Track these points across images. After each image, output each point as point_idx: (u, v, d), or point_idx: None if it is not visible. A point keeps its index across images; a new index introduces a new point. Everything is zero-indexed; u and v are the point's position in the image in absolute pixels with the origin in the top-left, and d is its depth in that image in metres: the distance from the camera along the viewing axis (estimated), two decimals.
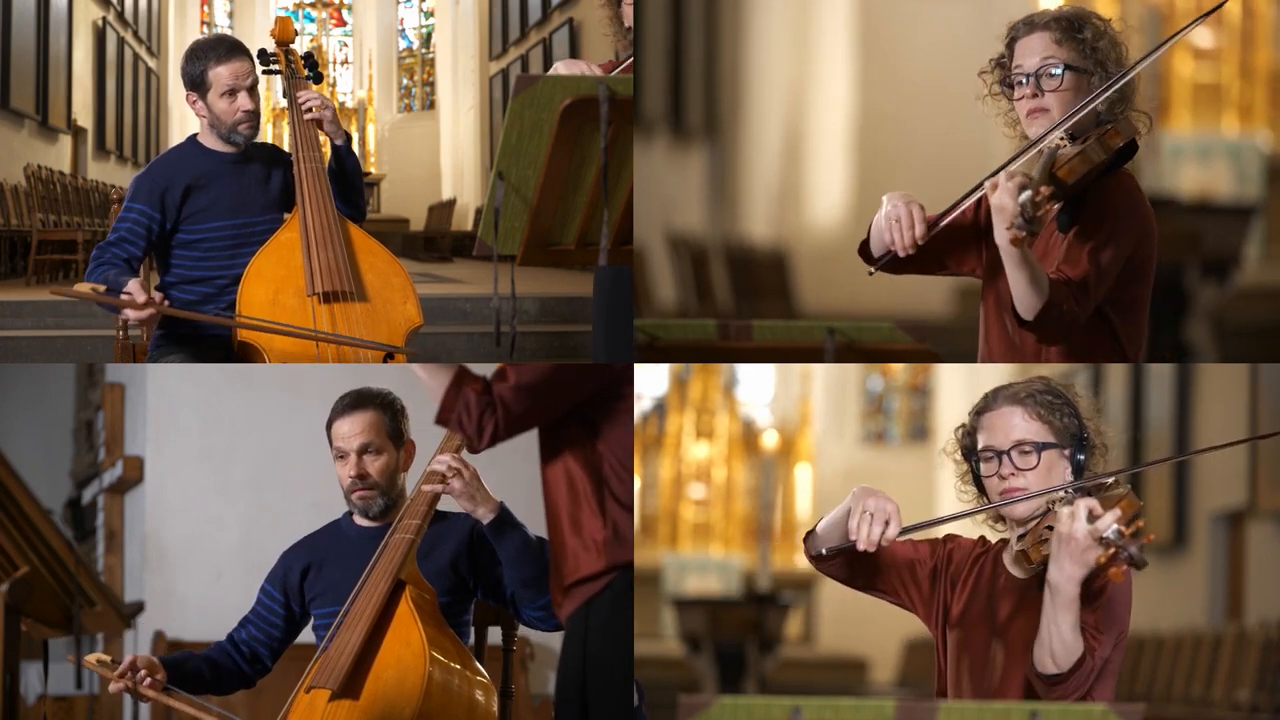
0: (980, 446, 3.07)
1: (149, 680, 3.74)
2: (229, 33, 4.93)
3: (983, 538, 3.20)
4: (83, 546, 8.08)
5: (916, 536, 3.14)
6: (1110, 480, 3.01)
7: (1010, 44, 3.42)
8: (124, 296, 4.12)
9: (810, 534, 3.14)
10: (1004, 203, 3.10)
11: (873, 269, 3.40)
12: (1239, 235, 6.88)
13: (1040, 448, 3.03)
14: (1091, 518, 2.81)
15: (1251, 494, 8.80)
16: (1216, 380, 9.23)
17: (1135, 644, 8.99)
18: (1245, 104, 9.11)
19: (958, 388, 12.80)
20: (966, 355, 3.58)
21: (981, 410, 3.09)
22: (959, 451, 3.13)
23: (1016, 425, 3.04)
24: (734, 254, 10.79)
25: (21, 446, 8.15)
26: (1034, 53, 3.36)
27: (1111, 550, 2.78)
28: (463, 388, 3.08)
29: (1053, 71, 3.33)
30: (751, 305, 10.31)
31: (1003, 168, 3.27)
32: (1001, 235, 3.13)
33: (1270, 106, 9.12)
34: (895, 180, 11.32)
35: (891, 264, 3.38)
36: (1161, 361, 7.88)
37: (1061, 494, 2.99)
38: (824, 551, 3.08)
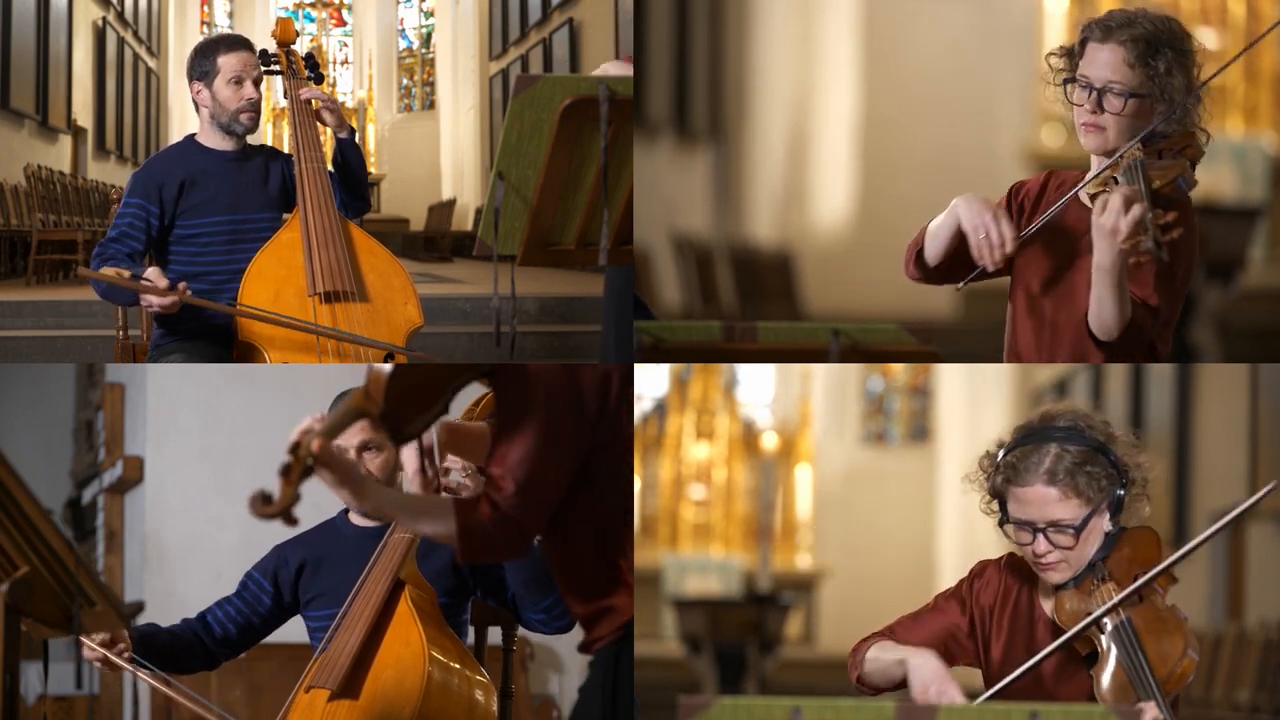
0: (1012, 514, 2.90)
1: (126, 653, 3.73)
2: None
3: (1008, 557, 3.07)
4: (83, 546, 8.07)
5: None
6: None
7: (1083, 41, 3.30)
8: (143, 282, 4.17)
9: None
10: (1118, 225, 3.02)
11: (960, 285, 3.32)
12: (1244, 237, 6.87)
13: (1079, 528, 2.87)
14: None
15: (1251, 494, 8.78)
16: (1217, 380, 9.23)
17: None
18: (1250, 106, 9.10)
19: (958, 388, 12.79)
20: (972, 356, 3.55)
21: (1010, 480, 2.90)
22: (982, 479, 2.96)
23: (1052, 504, 2.87)
24: (739, 256, 10.78)
25: (21, 446, 8.14)
26: (1103, 66, 3.25)
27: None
28: (472, 520, 2.88)
29: (1116, 93, 3.24)
30: (756, 307, 10.29)
31: (1087, 181, 3.23)
32: (1109, 251, 3.05)
33: (1275, 109, 9.11)
34: (899, 182, 11.33)
35: (978, 277, 3.30)
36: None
37: (1111, 587, 2.87)
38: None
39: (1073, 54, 3.32)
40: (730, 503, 12.27)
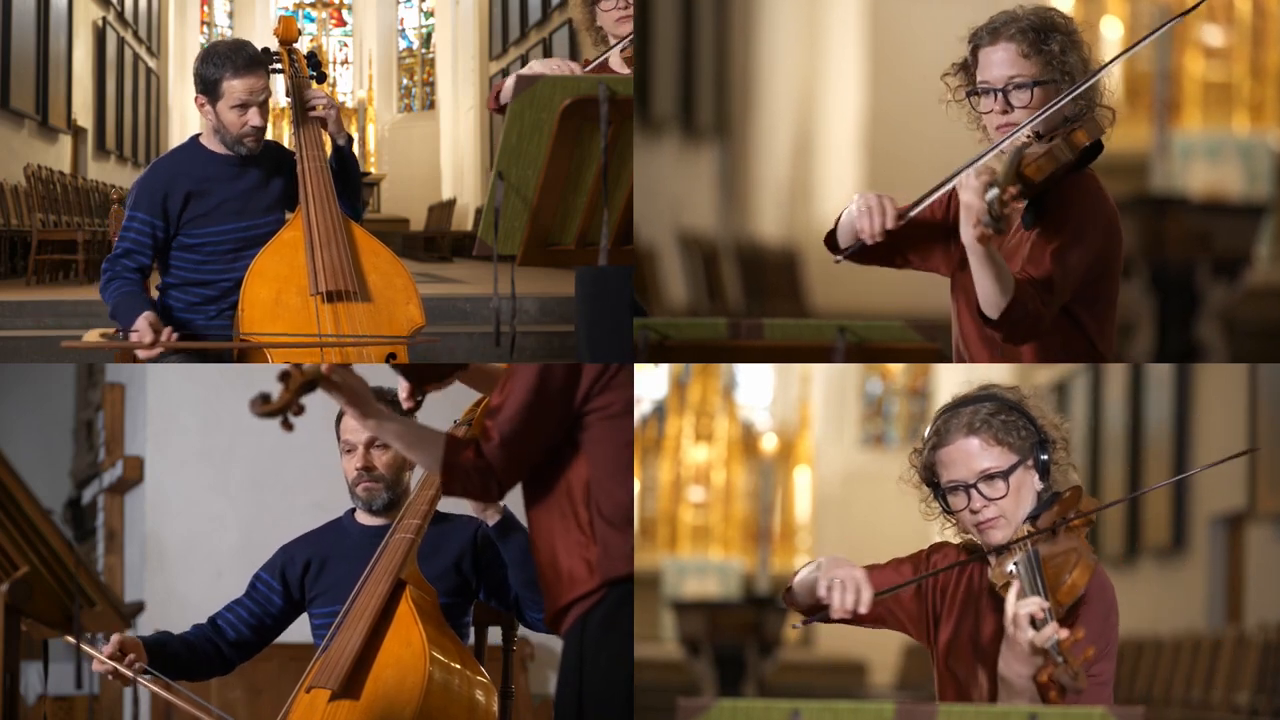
0: (944, 481, 2.99)
1: (138, 664, 3.71)
2: (248, 40, 4.90)
3: (966, 541, 3.12)
4: (83, 546, 8.07)
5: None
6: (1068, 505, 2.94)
7: (973, 51, 3.34)
8: (133, 336, 4.20)
9: (789, 591, 3.11)
10: (971, 200, 3.07)
11: (839, 257, 3.34)
12: (1250, 234, 6.87)
13: (1007, 474, 2.96)
14: (1035, 623, 2.75)
15: (1251, 497, 8.79)
16: (1216, 381, 9.22)
17: (1134, 647, 8.99)
18: (1256, 103, 9.09)
19: (957, 390, 12.79)
20: None
21: (936, 445, 3.00)
22: (916, 477, 3.05)
23: (977, 455, 2.96)
24: (744, 253, 10.79)
25: (21, 446, 8.14)
26: (1000, 65, 3.29)
27: (1049, 668, 2.73)
28: (457, 459, 3.07)
29: (1020, 86, 3.28)
30: (762, 304, 10.30)
31: (971, 164, 3.23)
32: (968, 233, 3.09)
33: None
34: (905, 178, 11.34)
35: (858, 254, 3.32)
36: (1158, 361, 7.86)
37: (1029, 527, 2.92)
38: (797, 625, 3.08)
39: (966, 67, 3.37)
40: (729, 505, 12.27)
